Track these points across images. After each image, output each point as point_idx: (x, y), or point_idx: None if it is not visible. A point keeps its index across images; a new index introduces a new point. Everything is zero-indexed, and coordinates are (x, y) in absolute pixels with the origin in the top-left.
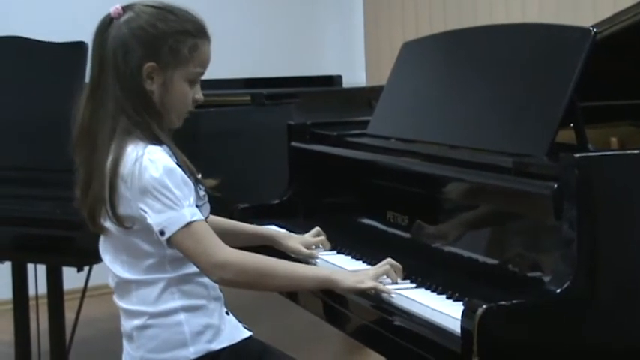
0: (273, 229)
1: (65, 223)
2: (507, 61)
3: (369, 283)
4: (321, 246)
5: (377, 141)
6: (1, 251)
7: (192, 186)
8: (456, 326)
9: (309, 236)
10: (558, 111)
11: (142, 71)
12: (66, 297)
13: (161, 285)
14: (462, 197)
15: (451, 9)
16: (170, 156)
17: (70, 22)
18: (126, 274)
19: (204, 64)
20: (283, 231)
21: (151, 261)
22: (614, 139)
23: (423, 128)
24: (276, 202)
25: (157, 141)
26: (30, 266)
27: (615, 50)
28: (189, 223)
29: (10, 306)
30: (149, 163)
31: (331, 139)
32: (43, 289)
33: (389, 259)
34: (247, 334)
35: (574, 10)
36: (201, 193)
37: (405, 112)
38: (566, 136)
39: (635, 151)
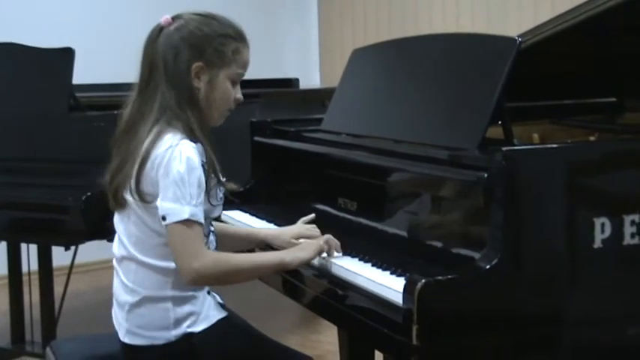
0: (265, 231)
1: (54, 207)
2: (444, 66)
3: (311, 252)
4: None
5: (329, 136)
6: None
7: (207, 189)
8: (398, 298)
9: (299, 225)
10: (488, 110)
11: (190, 70)
12: (55, 273)
13: (159, 273)
14: (405, 185)
15: (395, 20)
16: (200, 154)
17: (59, 29)
18: (132, 249)
19: (244, 66)
20: (274, 230)
21: (157, 241)
22: (535, 135)
23: (371, 124)
24: (240, 189)
25: (193, 136)
26: (23, 246)
27: (537, 57)
28: (186, 220)
29: (6, 281)
30: (179, 154)
31: (289, 134)
32: (34, 266)
33: (328, 235)
34: (224, 313)
35: (503, 21)
36: (220, 194)
37: (355, 111)
38: (495, 132)
39: (554, 145)
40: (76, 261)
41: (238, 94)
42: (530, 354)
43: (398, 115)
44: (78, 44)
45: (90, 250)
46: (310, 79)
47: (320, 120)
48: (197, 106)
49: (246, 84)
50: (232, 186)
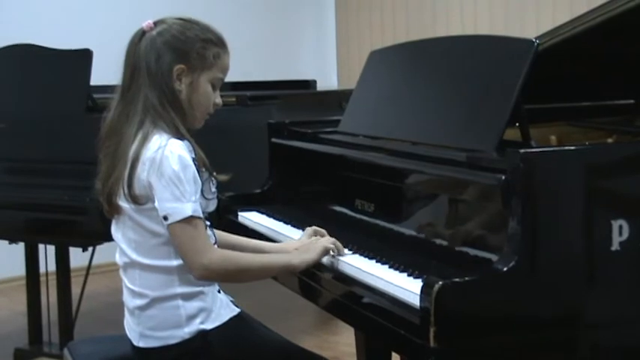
0: (270, 245)
1: (72, 208)
2: (462, 68)
3: (317, 254)
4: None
5: (347, 137)
6: (15, 233)
7: (201, 184)
8: (415, 300)
9: (306, 238)
10: (506, 112)
11: (172, 72)
12: (72, 274)
13: (163, 273)
14: (422, 187)
15: (413, 21)
16: (190, 151)
17: (78, 31)
18: (133, 254)
19: (224, 70)
20: (279, 244)
21: (157, 241)
22: (553, 137)
23: (388, 126)
24: (258, 191)
25: (179, 135)
26: (40, 247)
27: (555, 59)
28: (189, 217)
29: (24, 282)
30: (170, 154)
31: (306, 135)
32: (52, 267)
33: (333, 239)
34: (236, 311)
35: (521, 23)
36: (213, 188)
37: (372, 112)
38: (513, 134)
39: (572, 147)
40: (94, 262)
41: (218, 98)
42: (547, 356)
43: (415, 117)
44: (96, 45)
45: (107, 251)
46: (327, 80)
47: (337, 122)
48: (179, 107)
49: (265, 85)
50: (223, 177)
